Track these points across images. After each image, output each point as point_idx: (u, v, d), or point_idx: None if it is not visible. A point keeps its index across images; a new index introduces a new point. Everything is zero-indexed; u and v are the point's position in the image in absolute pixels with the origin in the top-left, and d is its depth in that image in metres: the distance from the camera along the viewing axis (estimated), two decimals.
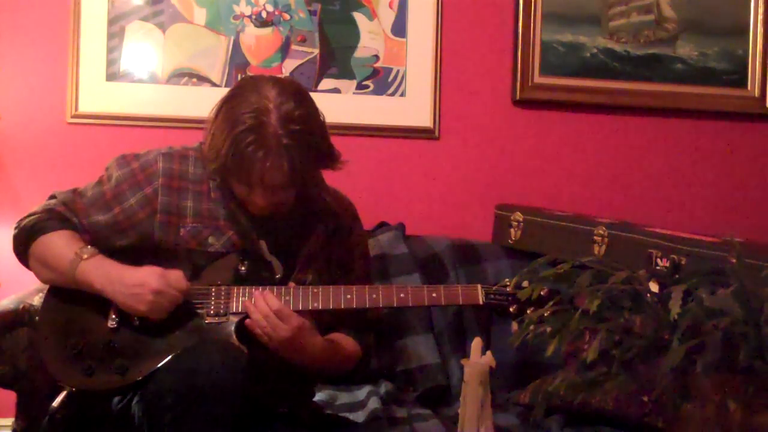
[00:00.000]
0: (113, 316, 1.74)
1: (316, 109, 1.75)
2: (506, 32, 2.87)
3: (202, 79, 2.72)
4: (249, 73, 2.72)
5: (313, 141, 1.71)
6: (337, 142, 1.80)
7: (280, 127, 1.65)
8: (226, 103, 1.72)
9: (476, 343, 1.74)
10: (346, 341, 1.88)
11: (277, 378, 1.81)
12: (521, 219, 2.61)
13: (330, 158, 1.78)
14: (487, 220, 2.76)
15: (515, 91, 2.87)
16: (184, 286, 1.71)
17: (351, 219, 1.95)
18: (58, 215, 1.79)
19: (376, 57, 2.80)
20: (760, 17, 2.99)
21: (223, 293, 1.76)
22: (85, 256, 1.73)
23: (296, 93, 1.72)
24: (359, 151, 2.45)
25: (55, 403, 1.72)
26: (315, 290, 1.76)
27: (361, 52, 2.80)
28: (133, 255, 1.77)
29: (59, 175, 2.61)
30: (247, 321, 1.72)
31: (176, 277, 1.71)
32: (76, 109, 2.67)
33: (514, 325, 1.45)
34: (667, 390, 1.31)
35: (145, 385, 1.66)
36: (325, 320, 1.84)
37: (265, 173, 1.67)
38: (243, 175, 1.70)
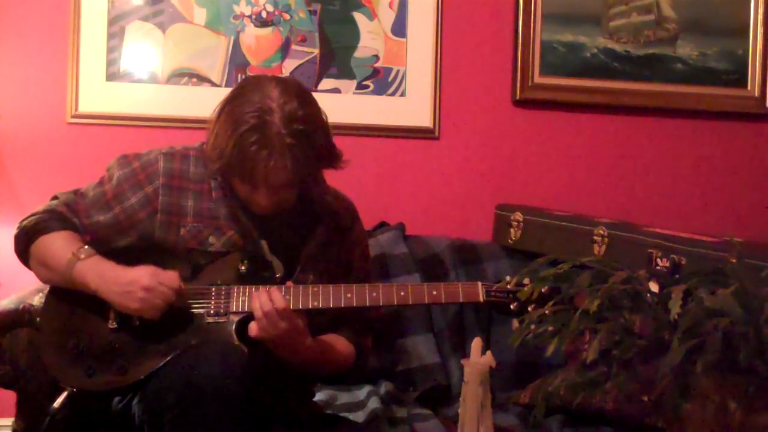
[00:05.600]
0: (114, 317, 1.74)
1: (318, 108, 1.75)
2: (506, 32, 2.88)
3: (202, 79, 2.72)
4: (249, 73, 2.72)
5: (316, 140, 1.71)
6: (337, 142, 1.80)
7: (283, 126, 1.65)
8: (229, 103, 1.72)
9: (476, 343, 1.74)
10: (339, 343, 1.88)
11: (277, 378, 1.81)
12: (521, 219, 2.61)
13: (332, 158, 1.78)
14: (487, 220, 2.77)
15: (515, 91, 2.87)
16: (176, 283, 1.71)
17: (351, 219, 1.95)
18: (59, 216, 1.80)
19: (376, 57, 2.81)
20: (760, 17, 2.99)
21: (223, 293, 1.76)
22: (82, 257, 1.72)
23: (299, 92, 1.72)
24: (359, 151, 2.45)
25: (56, 403, 1.71)
26: (315, 289, 1.76)
27: (361, 52, 2.80)
28: (133, 255, 1.77)
29: (59, 175, 2.61)
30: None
31: (168, 275, 1.71)
32: (76, 109, 2.67)
33: (515, 323, 1.45)
34: (667, 390, 1.31)
35: (145, 385, 1.66)
36: (323, 321, 1.84)
37: (269, 172, 1.67)
38: (246, 175, 1.69)
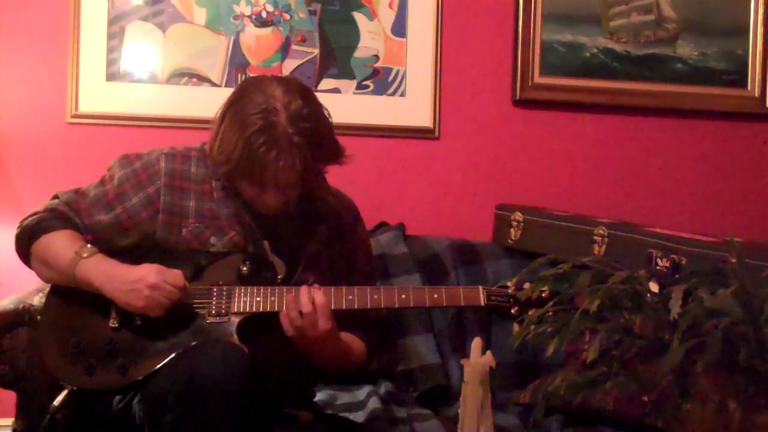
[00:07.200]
0: (114, 316, 1.74)
1: (321, 105, 1.77)
2: (506, 32, 2.88)
3: (202, 79, 2.72)
4: (249, 73, 2.72)
5: (322, 137, 1.72)
6: None
7: (289, 125, 1.66)
8: (233, 105, 1.72)
9: (476, 343, 1.73)
10: (355, 342, 1.89)
11: (277, 378, 1.82)
12: (521, 219, 2.61)
13: (337, 153, 1.79)
14: (487, 220, 2.77)
15: (515, 91, 2.87)
16: (181, 282, 1.72)
17: (353, 219, 1.96)
18: (61, 215, 1.80)
19: (376, 57, 2.81)
20: (760, 17, 2.99)
21: (224, 293, 1.76)
22: (85, 255, 1.73)
23: (301, 91, 1.73)
24: (359, 151, 2.42)
25: (56, 402, 1.72)
26: None
27: (361, 52, 2.80)
28: (135, 255, 1.77)
29: (59, 175, 2.61)
30: (282, 313, 1.72)
31: (174, 273, 1.72)
32: (76, 109, 2.67)
33: (516, 327, 1.45)
34: (667, 390, 1.31)
35: (146, 385, 1.66)
36: None
37: (279, 173, 1.68)
38: (256, 176, 1.70)
